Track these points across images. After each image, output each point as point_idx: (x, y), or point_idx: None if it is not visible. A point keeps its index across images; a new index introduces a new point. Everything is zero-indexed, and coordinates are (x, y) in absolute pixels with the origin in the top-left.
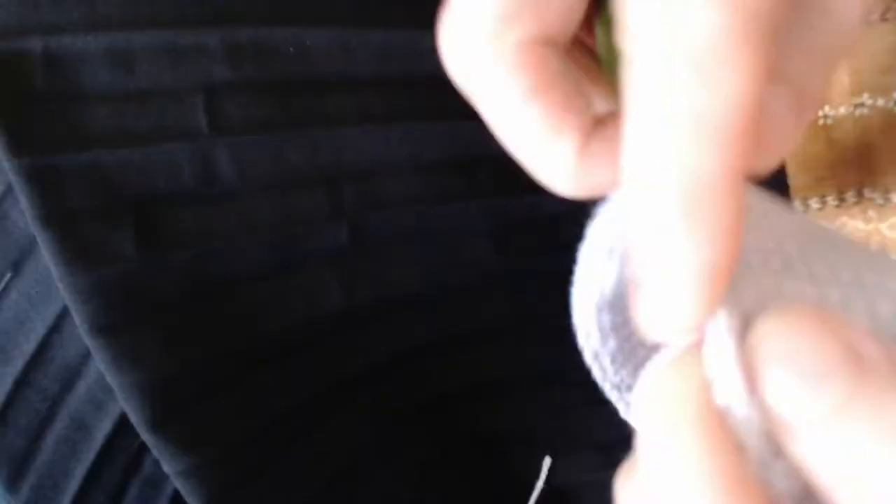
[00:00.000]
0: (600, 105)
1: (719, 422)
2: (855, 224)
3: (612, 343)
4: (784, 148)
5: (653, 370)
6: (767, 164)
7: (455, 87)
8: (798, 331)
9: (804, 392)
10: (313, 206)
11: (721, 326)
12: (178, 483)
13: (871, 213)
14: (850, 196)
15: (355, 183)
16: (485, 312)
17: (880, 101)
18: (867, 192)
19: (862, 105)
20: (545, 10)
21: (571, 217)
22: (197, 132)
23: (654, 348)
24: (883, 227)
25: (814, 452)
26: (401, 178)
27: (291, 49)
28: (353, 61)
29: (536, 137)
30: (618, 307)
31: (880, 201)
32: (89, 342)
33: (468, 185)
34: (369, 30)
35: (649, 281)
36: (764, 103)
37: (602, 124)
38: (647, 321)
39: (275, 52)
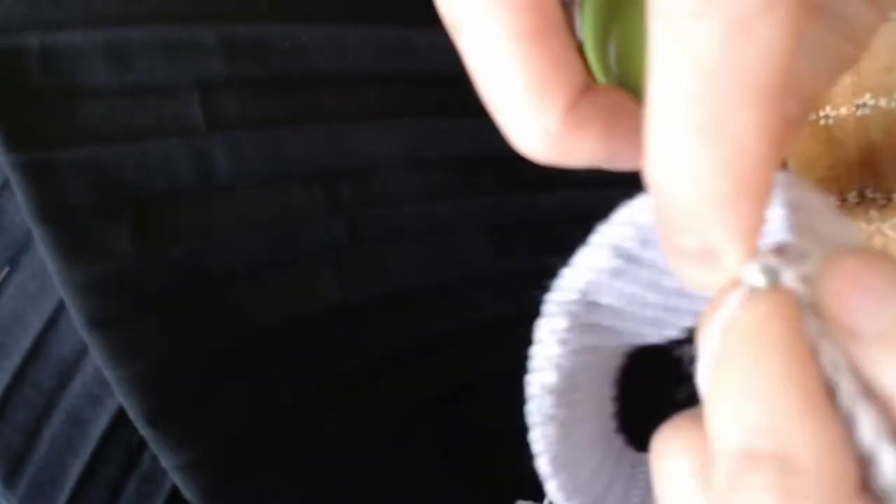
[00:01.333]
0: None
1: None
2: (857, 224)
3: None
4: (784, 149)
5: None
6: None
7: (452, 84)
8: (869, 262)
9: (873, 305)
10: (310, 202)
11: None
12: (176, 478)
13: (873, 213)
14: (852, 196)
15: (352, 179)
16: (483, 310)
17: (882, 102)
18: (869, 193)
19: (864, 105)
20: None
21: (570, 216)
22: (193, 128)
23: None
24: (885, 227)
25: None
26: (398, 174)
27: (287, 45)
28: (348, 58)
29: (524, 88)
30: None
31: (882, 201)
32: (86, 337)
33: (466, 182)
34: (365, 26)
35: (684, 252)
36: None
37: (589, 91)
38: (688, 282)
39: (271, 49)
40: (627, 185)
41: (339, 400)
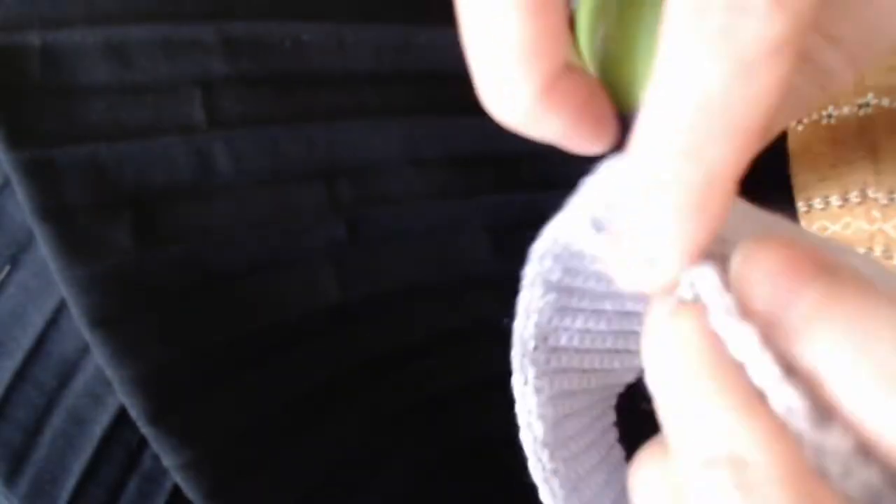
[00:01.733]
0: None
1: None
2: (859, 224)
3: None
4: (805, 104)
5: (654, 322)
6: (801, 113)
7: (452, 83)
8: (777, 249)
9: (783, 296)
10: (310, 201)
11: (706, 273)
12: (177, 477)
13: (876, 213)
14: (854, 196)
15: (352, 178)
16: (483, 310)
17: (885, 101)
18: (871, 192)
19: (866, 105)
20: None
21: None
22: (194, 126)
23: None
24: (887, 227)
25: (804, 353)
26: (397, 173)
27: (287, 44)
28: (349, 57)
29: (515, 56)
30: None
31: (884, 201)
32: (87, 335)
33: (465, 181)
34: (365, 25)
35: (632, 246)
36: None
37: (569, 71)
38: (623, 278)
39: (271, 47)
40: None
41: (339, 399)
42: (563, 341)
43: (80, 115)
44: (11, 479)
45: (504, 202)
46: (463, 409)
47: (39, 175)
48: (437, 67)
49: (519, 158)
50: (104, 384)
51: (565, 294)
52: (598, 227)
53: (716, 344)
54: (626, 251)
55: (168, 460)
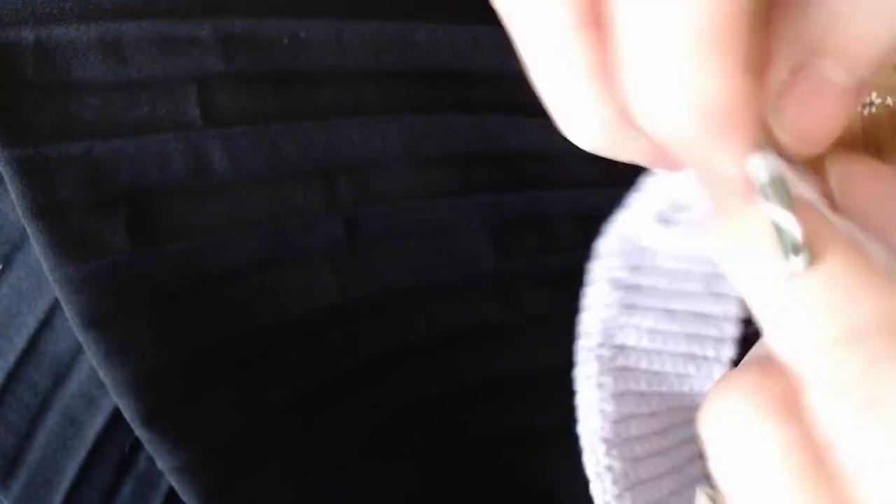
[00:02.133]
0: None
1: None
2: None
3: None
4: (837, 124)
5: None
6: (819, 140)
7: (452, 80)
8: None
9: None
10: (307, 199)
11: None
12: (172, 479)
13: None
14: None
15: (350, 177)
16: (482, 310)
17: (889, 100)
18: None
19: (870, 104)
20: None
21: (571, 215)
22: (190, 124)
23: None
24: None
25: None
26: (396, 172)
27: (285, 41)
28: (347, 54)
29: (585, 76)
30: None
31: None
32: (80, 336)
33: (464, 180)
34: (363, 22)
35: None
36: (811, 73)
37: None
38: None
39: (268, 44)
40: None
41: (336, 399)
42: (632, 340)
43: (74, 112)
44: (4, 481)
45: (504, 201)
46: (462, 409)
47: (33, 172)
48: (437, 65)
49: (519, 157)
50: (98, 385)
51: (633, 292)
52: (665, 222)
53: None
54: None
55: (162, 462)
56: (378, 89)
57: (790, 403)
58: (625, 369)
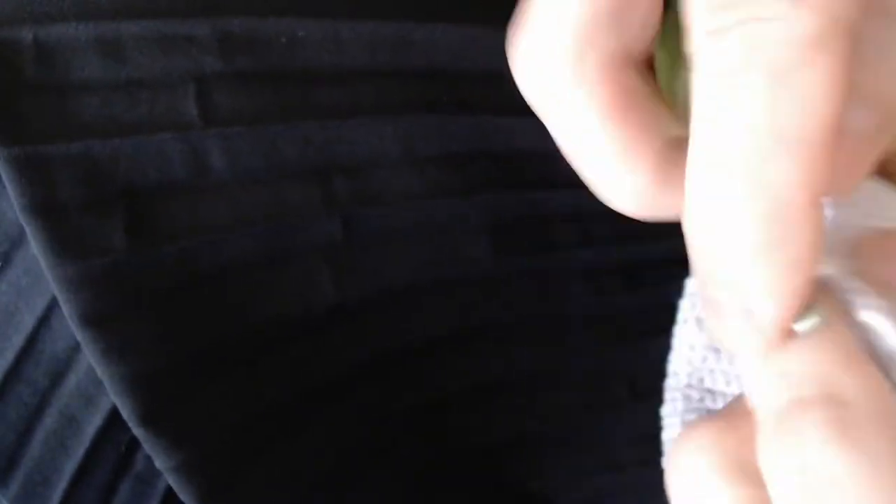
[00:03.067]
0: (672, 127)
1: None
2: None
3: None
4: (862, 170)
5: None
6: (844, 188)
7: (450, 80)
8: None
9: None
10: (305, 199)
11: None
12: (170, 479)
13: None
14: None
15: (348, 176)
16: (481, 312)
17: None
18: None
19: None
20: (626, 26)
21: (571, 215)
22: (188, 123)
23: None
24: None
25: None
26: (394, 171)
27: (283, 40)
28: (344, 53)
29: (612, 160)
30: None
31: None
32: (78, 334)
33: (462, 180)
34: (362, 22)
35: (723, 306)
36: (843, 122)
37: (678, 146)
38: (727, 343)
39: (267, 44)
40: None
41: (334, 399)
42: (720, 385)
43: (72, 111)
44: (2, 480)
45: (502, 201)
46: (461, 411)
47: (31, 171)
48: (435, 65)
49: (517, 157)
50: (96, 384)
51: None
52: None
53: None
54: (716, 309)
55: (160, 462)
56: (376, 89)
57: (746, 462)
58: (711, 411)
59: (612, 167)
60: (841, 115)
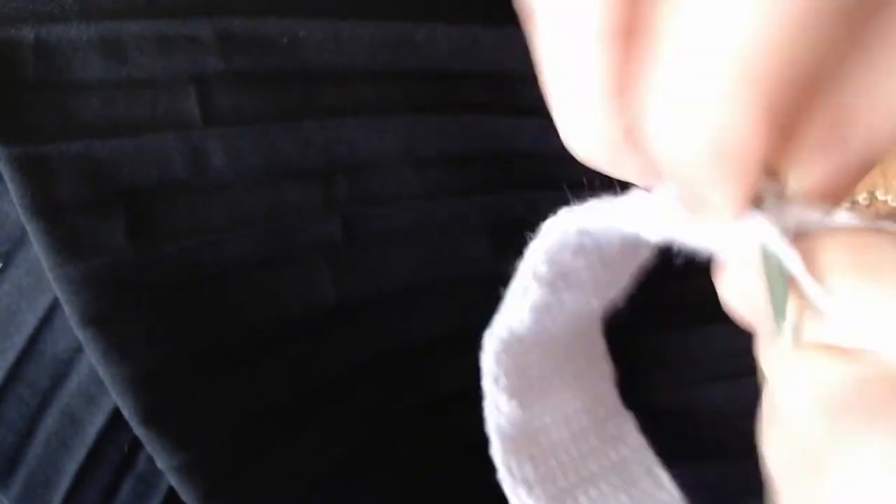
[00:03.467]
0: None
1: None
2: None
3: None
4: (854, 182)
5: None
6: (838, 197)
7: (451, 81)
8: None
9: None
10: (305, 199)
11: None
12: (171, 478)
13: (883, 214)
14: (862, 199)
15: (348, 177)
16: (482, 310)
17: (891, 200)
18: (880, 195)
19: (873, 199)
20: None
21: None
22: (189, 123)
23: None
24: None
25: None
26: (394, 172)
27: (284, 40)
28: (345, 54)
29: (600, 91)
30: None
31: (893, 203)
32: (80, 334)
33: (462, 180)
34: (362, 22)
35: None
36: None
37: None
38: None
39: (267, 44)
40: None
41: (335, 399)
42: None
43: (74, 111)
44: (4, 480)
45: (502, 201)
46: (461, 411)
47: (32, 171)
48: (435, 65)
49: (517, 157)
50: (98, 384)
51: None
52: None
53: None
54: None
55: (161, 462)
56: (376, 89)
57: None
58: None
59: (593, 106)
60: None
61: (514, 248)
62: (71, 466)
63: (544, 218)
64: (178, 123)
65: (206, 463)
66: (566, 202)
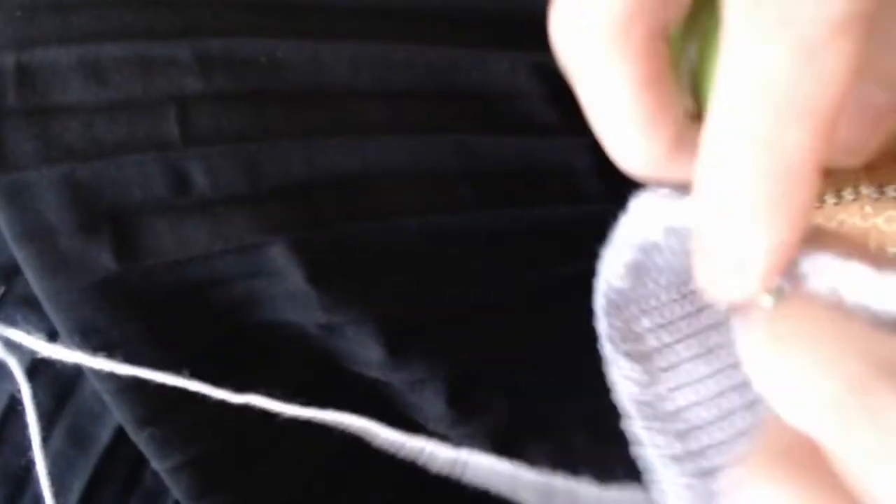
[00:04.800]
0: (682, 98)
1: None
2: (853, 221)
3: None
4: (874, 139)
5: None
6: (858, 155)
7: (430, 99)
8: None
9: None
10: (287, 217)
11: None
12: (167, 480)
13: (868, 208)
14: (848, 193)
15: (330, 195)
16: (467, 333)
17: None
18: (864, 189)
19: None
20: (671, 4)
21: (556, 231)
22: (169, 143)
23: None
24: (879, 221)
25: None
26: (375, 190)
27: (263, 60)
28: (324, 73)
29: (637, 129)
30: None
31: (875, 195)
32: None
33: (446, 198)
34: (341, 42)
35: (717, 254)
36: (858, 98)
37: (694, 120)
38: (713, 291)
39: (246, 64)
40: (616, 199)
41: (327, 402)
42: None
43: (55, 135)
44: (12, 501)
45: (488, 219)
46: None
47: (17, 198)
48: (415, 85)
49: (499, 175)
50: (102, 402)
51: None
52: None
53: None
54: (709, 258)
55: (158, 464)
56: (356, 108)
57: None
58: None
59: (636, 136)
60: (848, 94)
61: (502, 266)
62: (78, 485)
63: (534, 235)
64: (159, 144)
65: (201, 464)
66: (552, 218)
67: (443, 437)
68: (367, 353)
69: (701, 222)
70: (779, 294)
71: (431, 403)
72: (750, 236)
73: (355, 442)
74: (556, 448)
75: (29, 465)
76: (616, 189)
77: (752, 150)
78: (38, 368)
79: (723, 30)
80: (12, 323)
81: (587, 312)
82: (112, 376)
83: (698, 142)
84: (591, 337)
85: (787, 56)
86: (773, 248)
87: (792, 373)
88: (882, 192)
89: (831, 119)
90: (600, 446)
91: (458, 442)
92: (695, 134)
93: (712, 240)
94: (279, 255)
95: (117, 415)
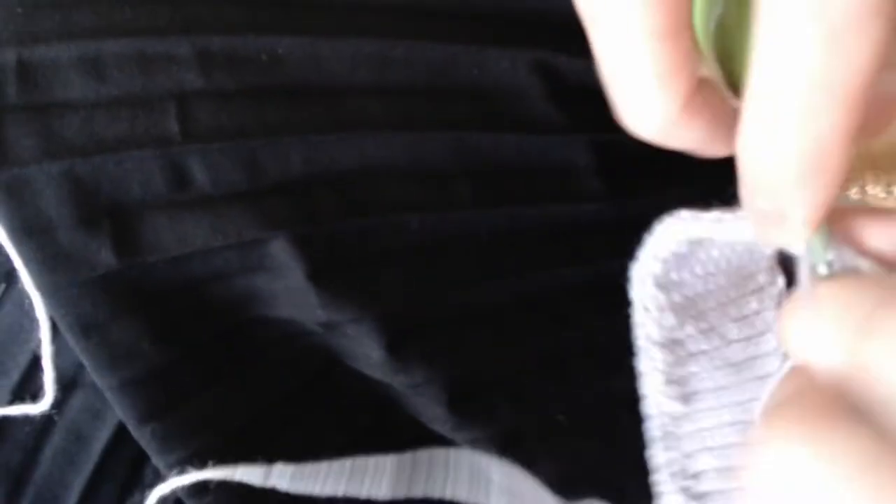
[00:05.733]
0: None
1: None
2: None
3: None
4: (889, 120)
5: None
6: (875, 133)
7: (429, 96)
8: None
9: None
10: (287, 214)
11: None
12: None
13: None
14: (854, 193)
15: (329, 192)
16: (468, 335)
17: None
18: (870, 188)
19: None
20: None
21: (551, 229)
22: (169, 139)
23: None
24: None
25: None
26: (375, 187)
27: (263, 57)
28: (324, 70)
29: (652, 80)
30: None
31: (882, 195)
32: (78, 346)
33: (443, 196)
34: (341, 39)
35: (769, 212)
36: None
37: (701, 83)
38: (768, 239)
39: (246, 61)
40: (638, 196)
41: (327, 397)
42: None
43: (56, 131)
44: (12, 499)
45: (487, 216)
46: None
47: (18, 194)
48: (414, 82)
49: (500, 172)
50: (103, 399)
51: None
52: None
53: None
54: (762, 216)
55: (158, 460)
56: (356, 105)
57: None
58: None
59: (650, 91)
60: (878, 77)
61: (500, 264)
62: (78, 483)
63: (531, 233)
64: (158, 140)
65: (200, 459)
66: (551, 217)
67: (447, 441)
68: (367, 352)
69: (747, 186)
70: (830, 267)
71: (432, 406)
72: (792, 198)
73: (368, 445)
74: (562, 456)
75: (29, 462)
76: (616, 187)
77: (790, 125)
78: (38, 364)
79: (760, 7)
80: (14, 319)
81: (592, 316)
82: (113, 372)
83: (709, 105)
84: (594, 340)
85: (821, 36)
86: (811, 206)
87: (822, 316)
88: (889, 192)
89: (861, 98)
90: (608, 450)
91: (463, 446)
92: (707, 95)
93: (760, 201)
94: (279, 251)
95: (118, 411)
